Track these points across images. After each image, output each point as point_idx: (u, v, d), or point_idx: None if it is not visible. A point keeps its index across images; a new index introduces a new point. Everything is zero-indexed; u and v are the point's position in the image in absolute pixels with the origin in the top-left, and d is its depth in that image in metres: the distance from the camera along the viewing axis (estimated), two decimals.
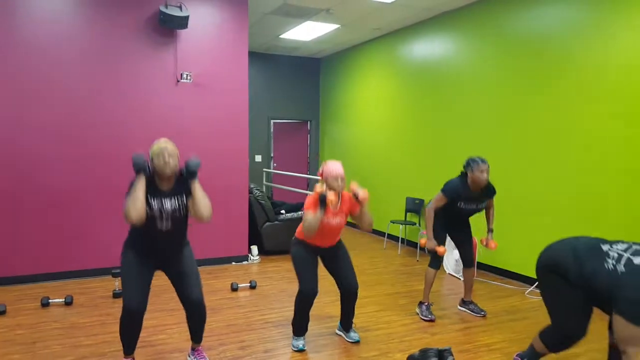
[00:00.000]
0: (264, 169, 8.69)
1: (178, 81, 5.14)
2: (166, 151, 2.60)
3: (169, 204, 2.66)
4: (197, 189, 2.66)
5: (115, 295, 4.29)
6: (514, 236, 5.03)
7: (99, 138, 4.85)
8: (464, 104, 5.69)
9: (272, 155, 9.13)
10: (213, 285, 4.72)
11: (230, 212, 5.52)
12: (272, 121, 9.04)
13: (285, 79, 8.89)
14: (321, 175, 3.12)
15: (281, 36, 7.34)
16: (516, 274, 5.01)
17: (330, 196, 2.94)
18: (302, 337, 3.30)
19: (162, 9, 4.82)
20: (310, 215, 3.01)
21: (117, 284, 4.39)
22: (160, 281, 4.07)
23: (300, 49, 8.29)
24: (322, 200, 2.99)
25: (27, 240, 4.66)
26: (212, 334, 3.49)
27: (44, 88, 4.64)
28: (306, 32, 7.07)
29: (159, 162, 2.60)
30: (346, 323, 3.44)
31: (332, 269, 3.33)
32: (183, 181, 2.71)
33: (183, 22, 4.92)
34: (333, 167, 3.08)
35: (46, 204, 4.70)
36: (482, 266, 5.37)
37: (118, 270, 4.29)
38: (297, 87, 9.01)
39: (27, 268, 4.67)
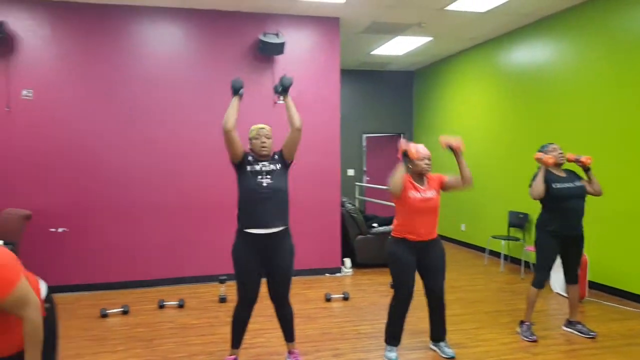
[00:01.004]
0: (356, 183, 8.82)
1: (275, 103, 5.48)
2: (263, 133, 2.99)
3: (266, 169, 2.96)
4: (290, 102, 3.04)
5: (222, 300, 4.64)
6: (633, 252, 4.56)
7: (204, 154, 5.33)
8: (567, 111, 5.33)
9: (364, 169, 9.24)
10: (307, 294, 4.91)
11: (323, 225, 5.71)
12: (364, 135, 9.17)
13: (377, 93, 8.99)
14: (401, 155, 3.14)
15: (372, 52, 7.48)
16: (636, 294, 4.54)
17: (411, 148, 3.07)
18: (395, 348, 3.31)
19: (262, 37, 5.22)
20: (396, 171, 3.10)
21: (222, 289, 4.75)
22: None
23: (392, 63, 8.36)
24: (404, 155, 3.09)
25: (145, 249, 5.24)
26: (308, 340, 3.64)
27: (155, 111, 5.24)
28: (398, 47, 7.13)
29: (257, 143, 2.98)
30: (435, 333, 3.39)
31: (423, 270, 3.27)
32: (279, 157, 3.04)
33: (279, 48, 5.28)
34: (420, 148, 3.17)
35: (163, 217, 5.27)
36: (595, 286, 4.94)
37: (224, 277, 4.67)
38: (389, 101, 9.07)
39: (146, 274, 5.24)
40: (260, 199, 2.91)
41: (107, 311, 4.34)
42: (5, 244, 4.04)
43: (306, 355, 3.37)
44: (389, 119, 9.10)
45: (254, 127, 3.04)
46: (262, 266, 3.01)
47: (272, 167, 3.00)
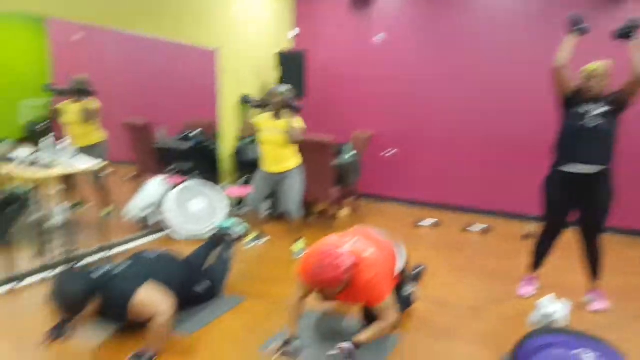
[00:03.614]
0: None
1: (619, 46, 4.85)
2: (596, 74, 2.91)
3: (595, 110, 2.91)
4: (636, 46, 2.87)
5: (526, 237, 4.74)
6: None
7: (529, 93, 5.26)
8: None
9: None
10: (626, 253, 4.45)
11: None
12: None
13: None
14: None
15: None
16: None
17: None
18: None
19: None
20: None
21: (530, 227, 4.82)
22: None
23: None
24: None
25: (459, 176, 5.76)
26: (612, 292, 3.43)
27: (489, 49, 5.45)
28: None
29: (588, 84, 2.93)
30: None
31: None
32: (613, 99, 2.92)
33: None
34: None
35: (479, 150, 5.63)
36: None
37: (533, 217, 4.74)
38: None
39: (456, 198, 5.80)
40: (583, 138, 2.91)
41: (420, 223, 5.16)
42: (353, 155, 5.26)
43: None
44: None
45: (587, 66, 2.96)
46: (576, 203, 3.04)
47: (601, 109, 2.91)
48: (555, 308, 2.69)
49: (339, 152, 5.15)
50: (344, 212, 5.44)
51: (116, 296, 2.40)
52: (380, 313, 2.37)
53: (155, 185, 4.57)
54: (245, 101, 5.49)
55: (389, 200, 6.11)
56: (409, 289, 2.94)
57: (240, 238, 3.50)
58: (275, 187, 4.11)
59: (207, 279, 3.02)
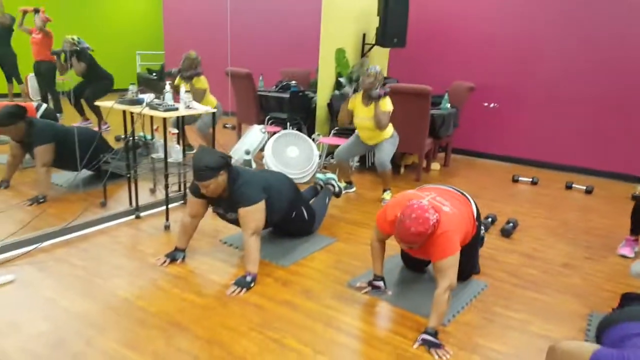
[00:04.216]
0: None
1: None
2: None
3: None
4: None
5: (634, 198, 4.41)
6: None
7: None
8: None
9: None
10: None
11: None
12: None
13: None
14: None
15: None
16: None
17: None
18: None
19: None
20: None
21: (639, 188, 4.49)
22: None
23: None
24: None
25: (560, 134, 5.40)
26: None
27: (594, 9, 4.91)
28: None
29: None
30: None
31: None
32: None
33: None
34: None
35: (582, 108, 5.21)
36: None
37: None
38: None
39: (555, 156, 5.48)
40: None
41: (519, 178, 4.97)
42: (450, 106, 5.12)
43: None
44: None
45: None
46: None
47: None
48: None
49: (436, 102, 5.04)
50: (435, 165, 5.39)
51: (238, 193, 2.69)
52: (441, 270, 2.23)
53: (256, 132, 4.88)
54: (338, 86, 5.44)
55: (485, 156, 5.93)
56: (482, 230, 2.93)
57: (339, 192, 3.69)
58: (367, 150, 4.33)
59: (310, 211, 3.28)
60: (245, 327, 2.29)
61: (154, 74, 8.60)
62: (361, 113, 3.99)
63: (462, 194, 2.63)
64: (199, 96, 4.57)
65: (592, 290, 2.74)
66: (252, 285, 2.65)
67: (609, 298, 2.63)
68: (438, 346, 2.12)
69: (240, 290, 2.61)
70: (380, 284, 2.59)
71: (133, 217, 3.57)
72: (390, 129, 4.07)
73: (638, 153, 4.95)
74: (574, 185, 4.79)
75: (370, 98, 3.86)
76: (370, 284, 2.60)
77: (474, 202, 2.62)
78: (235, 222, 2.85)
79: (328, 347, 2.17)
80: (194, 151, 3.88)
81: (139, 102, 3.39)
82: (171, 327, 2.27)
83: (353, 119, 4.07)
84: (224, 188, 2.70)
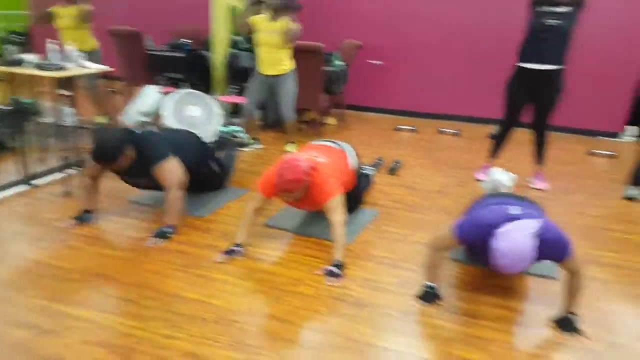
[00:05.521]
0: None
1: None
2: None
3: (557, 10, 3.25)
4: None
5: (492, 137, 5.22)
6: None
7: None
8: None
9: None
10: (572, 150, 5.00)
11: (610, 81, 5.34)
12: None
13: None
14: None
15: None
16: None
17: None
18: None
19: None
20: None
21: (495, 128, 5.30)
22: None
23: None
24: None
25: (430, 85, 6.10)
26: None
27: None
28: None
29: None
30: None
31: None
32: None
33: None
34: None
35: (448, 58, 5.93)
36: None
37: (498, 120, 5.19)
38: None
39: (429, 107, 6.20)
40: (542, 37, 3.27)
41: (401, 127, 5.59)
42: (342, 63, 5.43)
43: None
44: None
45: None
46: (531, 99, 3.50)
47: (563, 9, 3.22)
48: (503, 177, 3.24)
49: (327, 60, 5.29)
50: (331, 120, 5.80)
51: (147, 156, 2.72)
52: (329, 210, 2.50)
53: (152, 92, 4.77)
54: None
55: (372, 110, 6.47)
56: (368, 171, 3.39)
57: (243, 143, 3.81)
58: (270, 92, 4.35)
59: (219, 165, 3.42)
60: (170, 270, 2.49)
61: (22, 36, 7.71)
62: (267, 27, 3.96)
63: (341, 147, 3.01)
64: (88, 18, 4.32)
65: (460, 207, 3.34)
66: (170, 235, 2.77)
67: None
68: (337, 276, 2.41)
69: (160, 242, 2.72)
70: (241, 250, 2.64)
71: (27, 186, 3.42)
72: (292, 61, 4.14)
73: (494, 100, 5.78)
74: (445, 130, 5.52)
75: (283, 9, 3.86)
76: (231, 252, 2.61)
77: (355, 152, 3.08)
78: (150, 185, 2.89)
79: (251, 274, 2.46)
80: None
81: (19, 62, 3.18)
82: (96, 279, 2.38)
83: (255, 35, 4.04)
84: (133, 158, 2.73)
